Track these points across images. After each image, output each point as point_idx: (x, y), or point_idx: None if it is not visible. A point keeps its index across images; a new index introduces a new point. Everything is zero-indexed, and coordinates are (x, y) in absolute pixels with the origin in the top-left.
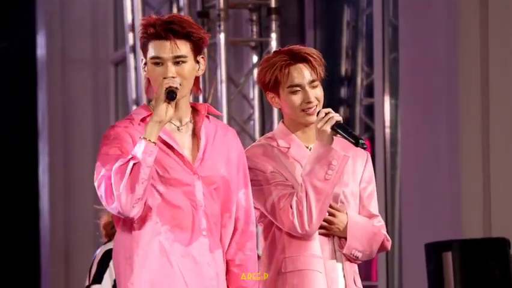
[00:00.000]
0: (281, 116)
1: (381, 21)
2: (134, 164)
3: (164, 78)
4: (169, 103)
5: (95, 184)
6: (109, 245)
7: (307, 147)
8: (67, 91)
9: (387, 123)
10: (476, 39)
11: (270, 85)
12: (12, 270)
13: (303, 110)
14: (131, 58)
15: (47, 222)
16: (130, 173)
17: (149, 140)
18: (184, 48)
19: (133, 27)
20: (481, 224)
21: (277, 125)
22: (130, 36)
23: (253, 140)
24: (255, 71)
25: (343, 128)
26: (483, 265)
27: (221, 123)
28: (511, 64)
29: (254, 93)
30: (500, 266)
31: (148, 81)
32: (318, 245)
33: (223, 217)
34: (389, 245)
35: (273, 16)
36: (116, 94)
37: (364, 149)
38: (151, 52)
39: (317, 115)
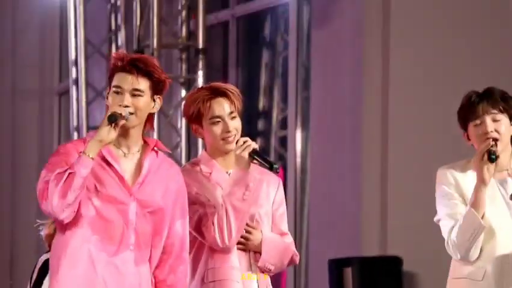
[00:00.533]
0: (204, 145)
1: (295, 63)
2: (70, 173)
3: (119, 105)
4: (112, 126)
5: (38, 186)
6: (49, 254)
7: (227, 172)
8: (16, 117)
9: (299, 153)
10: (378, 80)
11: (194, 117)
12: None
13: (223, 139)
14: (73, 90)
15: None
16: (65, 181)
17: (88, 155)
18: (143, 84)
19: (75, 62)
20: (377, 243)
21: (201, 152)
22: (73, 70)
23: (180, 165)
24: (183, 104)
25: (258, 155)
26: (379, 280)
27: (168, 160)
28: (408, 103)
29: (182, 123)
30: (393, 281)
31: (107, 108)
32: (237, 258)
33: (154, 239)
34: (297, 259)
35: (200, 56)
36: (59, 121)
37: (277, 173)
38: (114, 81)
39: (236, 143)
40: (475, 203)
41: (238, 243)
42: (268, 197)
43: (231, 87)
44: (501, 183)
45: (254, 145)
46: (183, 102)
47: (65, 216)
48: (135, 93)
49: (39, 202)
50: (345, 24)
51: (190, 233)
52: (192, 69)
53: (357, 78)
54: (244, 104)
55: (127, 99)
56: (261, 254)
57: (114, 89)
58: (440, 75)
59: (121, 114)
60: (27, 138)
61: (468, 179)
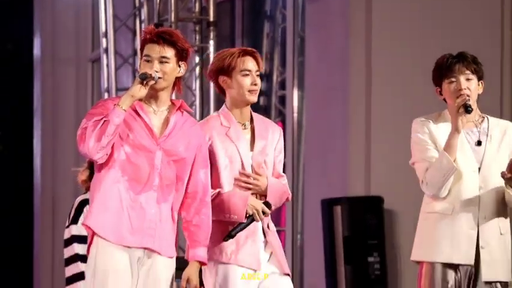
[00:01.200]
0: (217, 103)
1: (292, 33)
2: (105, 120)
3: (154, 71)
4: (142, 84)
5: (77, 132)
6: (84, 196)
7: (243, 124)
8: (56, 81)
9: (295, 109)
10: (362, 45)
11: (225, 68)
12: (9, 211)
13: (249, 91)
14: (104, 57)
15: (39, 179)
16: (100, 127)
17: (121, 107)
18: (169, 52)
19: (105, 34)
20: (362, 184)
21: (213, 109)
22: (104, 40)
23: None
24: (197, 69)
25: None
26: (363, 216)
27: (191, 119)
28: (390, 64)
29: (196, 85)
30: (376, 218)
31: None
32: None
33: (177, 184)
34: (289, 197)
35: (211, 28)
36: (92, 84)
37: None
38: (144, 52)
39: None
40: (449, 148)
41: (248, 188)
42: (272, 144)
43: (257, 52)
44: (468, 133)
45: None
46: (197, 67)
47: (99, 157)
48: (162, 60)
49: (78, 145)
50: (333, 1)
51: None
52: (204, 40)
53: (344, 44)
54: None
55: (156, 65)
56: (265, 197)
57: (145, 57)
58: (420, 36)
59: (150, 74)
60: (66, 98)
61: (439, 129)
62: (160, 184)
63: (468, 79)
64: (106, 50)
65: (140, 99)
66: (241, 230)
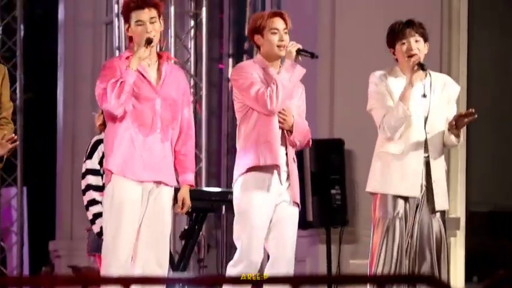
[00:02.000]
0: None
1: (270, 2)
2: (121, 82)
3: (147, 32)
4: (146, 47)
5: (96, 92)
6: (99, 136)
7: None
8: (76, 41)
9: None
10: (328, 15)
11: (258, 28)
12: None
13: (278, 46)
14: (116, 21)
15: (61, 121)
16: (119, 87)
17: (132, 69)
18: (154, 12)
19: (117, 1)
20: (327, 129)
21: (205, 65)
22: (115, 6)
23: (190, 74)
24: (192, 31)
25: (303, 50)
26: (328, 156)
27: (175, 66)
28: (353, 26)
29: (191, 44)
30: (338, 157)
31: (130, 38)
32: (277, 124)
33: (173, 122)
34: (310, 143)
35: None
36: (106, 43)
37: (317, 57)
38: (134, 18)
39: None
40: (404, 98)
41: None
42: (297, 94)
43: (286, 13)
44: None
45: (299, 45)
46: (192, 30)
47: (120, 111)
48: (152, 21)
49: (99, 103)
50: None
51: (243, 107)
52: (198, 7)
53: (314, 13)
54: (234, 30)
55: (149, 27)
56: (291, 132)
57: (137, 23)
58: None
59: (152, 38)
60: (84, 55)
61: (393, 82)
62: (161, 126)
63: (416, 41)
64: (117, 15)
65: (132, 54)
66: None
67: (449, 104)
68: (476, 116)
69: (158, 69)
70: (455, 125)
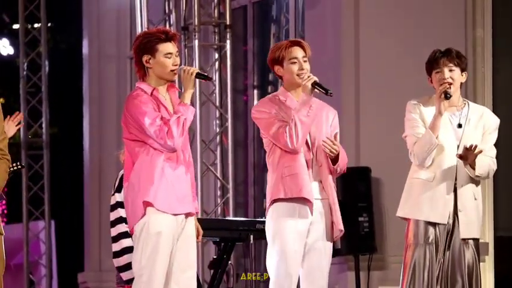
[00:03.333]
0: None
1: (294, 33)
2: (185, 118)
3: (174, 65)
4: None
5: (151, 130)
6: None
7: (297, 101)
8: (101, 74)
9: None
10: (351, 43)
11: (277, 59)
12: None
13: (297, 75)
14: None
15: (88, 157)
16: (183, 125)
17: (187, 104)
18: (176, 47)
19: None
20: (353, 157)
21: (230, 97)
22: None
23: (215, 106)
24: (216, 64)
25: (318, 84)
26: (355, 183)
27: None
28: (376, 59)
29: (216, 76)
30: (364, 185)
31: (143, 70)
32: (304, 158)
33: (187, 152)
34: (345, 168)
35: (228, 30)
36: (131, 78)
37: (331, 95)
38: (163, 50)
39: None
40: (433, 127)
41: (330, 151)
42: (328, 120)
43: (304, 41)
44: (451, 116)
45: (315, 78)
46: (217, 62)
47: (179, 147)
48: (177, 54)
49: (160, 140)
50: (327, 7)
51: (269, 142)
52: (222, 39)
53: (337, 42)
54: (257, 64)
55: (176, 60)
56: (336, 161)
57: (167, 55)
58: (402, 35)
59: (207, 74)
60: (109, 90)
61: (428, 110)
62: (183, 157)
63: (451, 70)
64: None
65: (156, 88)
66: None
67: (484, 135)
68: (481, 150)
69: (170, 101)
70: (462, 157)
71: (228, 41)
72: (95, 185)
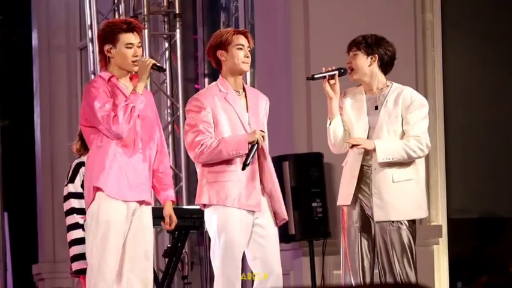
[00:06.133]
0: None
1: (244, 22)
2: (132, 106)
3: (135, 56)
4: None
5: (99, 114)
6: (79, 159)
7: (237, 91)
8: (51, 65)
9: (249, 83)
10: (301, 31)
11: (223, 43)
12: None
13: (243, 62)
14: (90, 45)
15: (39, 147)
16: (130, 112)
17: (141, 94)
18: (139, 38)
19: (91, 26)
20: (305, 143)
21: (181, 87)
22: (89, 32)
23: (166, 95)
24: (167, 53)
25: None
26: (307, 169)
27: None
28: (326, 45)
29: (166, 66)
30: (317, 170)
31: (104, 60)
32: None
33: (150, 142)
34: None
35: (177, 19)
36: (81, 68)
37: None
38: (124, 40)
39: None
40: (328, 111)
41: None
42: (262, 108)
43: (247, 31)
44: (369, 99)
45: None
46: (167, 51)
47: (125, 135)
48: (138, 45)
49: (106, 125)
50: None
51: None
52: (172, 28)
53: (286, 29)
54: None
55: (138, 51)
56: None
57: (127, 45)
58: (349, 23)
59: (161, 65)
60: (60, 80)
61: (348, 99)
62: (142, 146)
63: (355, 54)
64: (92, 40)
65: (114, 75)
66: (252, 157)
67: (404, 114)
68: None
69: (134, 90)
70: (353, 147)
71: (178, 30)
72: (48, 176)
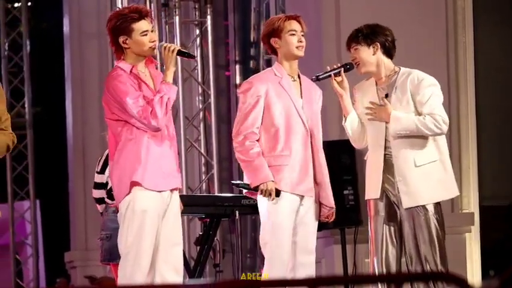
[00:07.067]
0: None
1: (275, 8)
2: (168, 98)
3: (152, 42)
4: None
5: (134, 110)
6: None
7: (292, 77)
8: (82, 51)
9: None
10: (332, 18)
11: (276, 30)
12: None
13: (297, 47)
14: None
15: (71, 132)
16: (166, 104)
17: (169, 82)
18: (150, 22)
19: None
20: (338, 131)
21: (212, 73)
22: None
23: (197, 82)
24: (198, 40)
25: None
26: (339, 157)
27: (157, 70)
28: None
29: (197, 53)
30: (349, 158)
31: (120, 50)
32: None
33: (170, 127)
34: None
35: (208, 5)
36: (112, 55)
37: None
38: (138, 29)
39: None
40: (342, 109)
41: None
42: (315, 99)
43: (301, 17)
44: (379, 89)
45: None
46: (198, 38)
47: (163, 127)
48: (153, 29)
49: (146, 121)
50: None
51: None
52: (203, 15)
53: (318, 16)
54: (239, 36)
55: (153, 36)
56: None
57: (143, 33)
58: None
59: (184, 50)
60: (91, 66)
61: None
62: (167, 133)
63: (355, 49)
64: None
65: (134, 66)
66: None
67: (414, 96)
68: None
69: (151, 75)
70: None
71: (209, 17)
72: (80, 164)
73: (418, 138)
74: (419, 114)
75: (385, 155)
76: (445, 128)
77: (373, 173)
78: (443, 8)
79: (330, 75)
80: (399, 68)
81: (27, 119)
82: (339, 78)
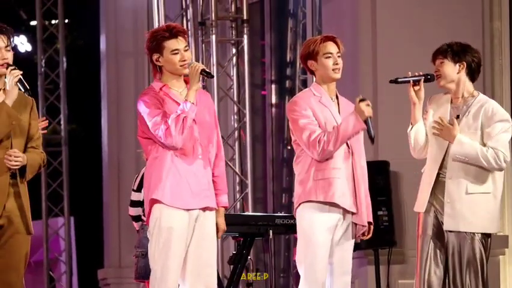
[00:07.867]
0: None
1: (311, 28)
2: (184, 117)
3: (182, 61)
4: (201, 78)
5: (153, 129)
6: None
7: (331, 97)
8: (119, 70)
9: None
10: (368, 39)
11: (311, 53)
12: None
13: (333, 70)
14: None
15: (106, 150)
16: (182, 123)
17: (192, 103)
18: (185, 41)
19: None
20: (372, 151)
21: (247, 92)
22: None
23: (233, 101)
24: (234, 59)
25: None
26: (373, 177)
27: (202, 90)
28: (393, 53)
29: (233, 71)
30: (383, 178)
31: (156, 68)
32: (340, 161)
33: (209, 146)
34: None
35: (245, 25)
36: (148, 73)
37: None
38: (169, 47)
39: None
40: (411, 117)
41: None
42: None
43: (338, 37)
44: (453, 108)
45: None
46: (234, 58)
47: (181, 145)
48: (185, 49)
49: (163, 139)
50: (344, 1)
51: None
52: (239, 34)
53: (354, 36)
54: (276, 56)
55: (185, 55)
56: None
57: (173, 52)
58: (418, 31)
59: (209, 71)
60: (127, 85)
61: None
62: (202, 152)
63: (441, 62)
64: None
65: (166, 85)
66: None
67: (484, 127)
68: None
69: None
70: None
71: (245, 36)
72: (114, 181)
73: (476, 166)
74: (483, 144)
75: (439, 174)
76: (504, 166)
77: (424, 187)
78: (479, 31)
79: (409, 81)
80: (478, 93)
81: (62, 135)
82: (417, 87)
